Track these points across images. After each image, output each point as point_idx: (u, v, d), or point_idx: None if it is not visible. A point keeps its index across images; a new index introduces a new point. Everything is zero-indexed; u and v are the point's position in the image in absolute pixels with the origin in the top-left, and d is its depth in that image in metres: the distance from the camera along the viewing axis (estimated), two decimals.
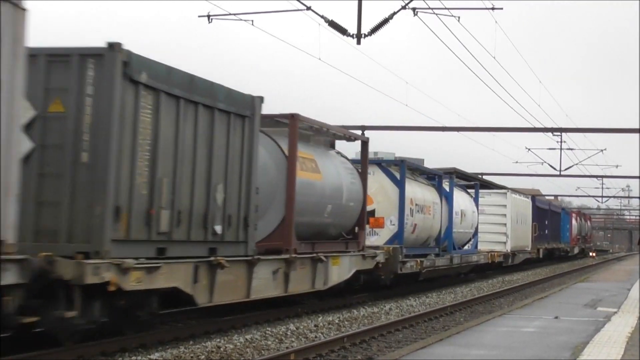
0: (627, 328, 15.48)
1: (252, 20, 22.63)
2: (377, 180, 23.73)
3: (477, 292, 27.67)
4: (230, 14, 22.55)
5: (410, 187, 24.74)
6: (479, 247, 34.60)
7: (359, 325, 17.17)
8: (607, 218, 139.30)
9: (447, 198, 28.85)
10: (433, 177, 28.51)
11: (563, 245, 61.96)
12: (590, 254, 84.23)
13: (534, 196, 47.49)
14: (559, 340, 13.46)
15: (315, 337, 15.20)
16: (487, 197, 38.04)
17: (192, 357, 12.45)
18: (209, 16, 22.49)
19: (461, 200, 31.31)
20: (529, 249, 44.23)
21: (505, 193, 39.41)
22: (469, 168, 43.15)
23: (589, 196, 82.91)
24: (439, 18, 22.47)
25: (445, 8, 22.38)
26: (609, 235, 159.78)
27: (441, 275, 28.89)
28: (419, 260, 24.56)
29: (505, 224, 38.39)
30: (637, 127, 36.60)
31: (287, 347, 13.60)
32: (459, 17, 22.44)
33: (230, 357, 12.66)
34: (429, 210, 26.25)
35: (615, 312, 18.71)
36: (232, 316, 16.21)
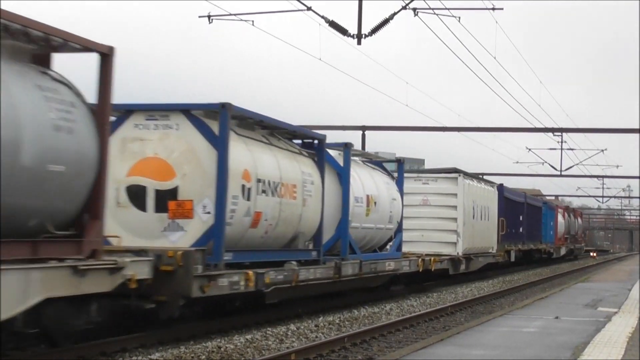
0: (628, 328, 15.47)
1: (253, 21, 22.73)
2: (184, 139, 14.46)
3: (478, 292, 27.67)
4: (230, 14, 22.63)
5: (248, 152, 15.34)
6: (409, 250, 26.65)
7: (359, 325, 17.18)
8: (607, 218, 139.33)
9: (341, 176, 19.57)
10: (310, 144, 18.64)
11: (545, 245, 52.19)
12: (591, 254, 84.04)
13: (502, 185, 39.34)
14: (559, 341, 13.46)
15: (316, 337, 15.21)
16: (432, 184, 29.14)
17: (192, 357, 12.46)
18: (209, 16, 22.56)
19: (369, 181, 21.64)
20: (494, 251, 34.87)
21: (456, 178, 29.35)
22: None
23: (590, 196, 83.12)
24: (439, 18, 22.55)
25: (446, 8, 22.44)
26: (609, 235, 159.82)
27: (323, 294, 19.76)
28: (251, 272, 14.79)
29: (455, 219, 29.07)
30: (638, 127, 36.64)
31: (287, 347, 13.61)
32: (459, 18, 22.54)
33: (231, 357, 12.68)
34: (293, 192, 16.79)
35: (616, 312, 18.70)
36: (232, 316, 16.22)
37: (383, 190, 22.45)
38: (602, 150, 54.47)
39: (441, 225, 28.82)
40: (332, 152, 19.74)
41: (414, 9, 21.85)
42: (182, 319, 14.29)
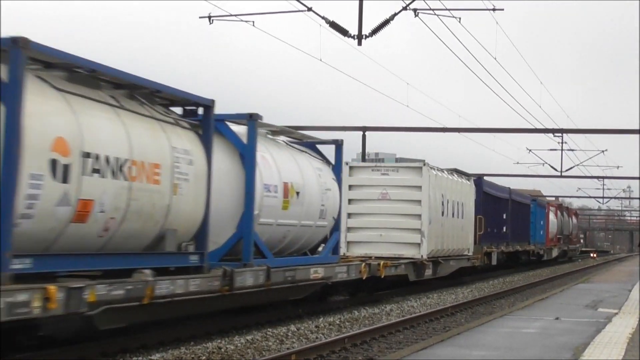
0: (628, 329, 15.48)
1: (253, 21, 22.71)
2: None
3: (478, 292, 27.67)
4: (231, 15, 22.63)
5: (69, 115, 10.69)
6: (365, 252, 24.05)
7: (359, 326, 17.19)
8: (608, 219, 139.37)
9: (244, 157, 15.31)
10: (193, 111, 14.06)
11: (533, 246, 47.75)
12: (591, 255, 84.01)
13: (481, 179, 35.28)
14: (559, 341, 13.47)
15: (316, 338, 15.22)
16: (393, 175, 24.81)
17: (193, 357, 12.48)
18: (210, 17, 22.56)
19: (290, 166, 17.25)
20: (469, 254, 30.56)
21: (420, 168, 24.93)
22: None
23: (590, 197, 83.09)
24: (439, 19, 22.54)
25: (446, 9, 22.44)
26: (609, 236, 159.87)
27: (206, 313, 15.26)
28: (53, 288, 9.89)
29: (419, 216, 24.72)
30: (638, 128, 36.66)
31: (288, 348, 13.62)
32: (459, 18, 22.52)
33: (231, 358, 12.69)
34: (154, 175, 12.20)
35: (616, 313, 18.71)
36: (233, 317, 16.22)
37: (311, 177, 17.90)
38: (603, 151, 54.45)
39: (403, 223, 24.66)
40: (238, 129, 15.70)
41: (415, 10, 21.85)
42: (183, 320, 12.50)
